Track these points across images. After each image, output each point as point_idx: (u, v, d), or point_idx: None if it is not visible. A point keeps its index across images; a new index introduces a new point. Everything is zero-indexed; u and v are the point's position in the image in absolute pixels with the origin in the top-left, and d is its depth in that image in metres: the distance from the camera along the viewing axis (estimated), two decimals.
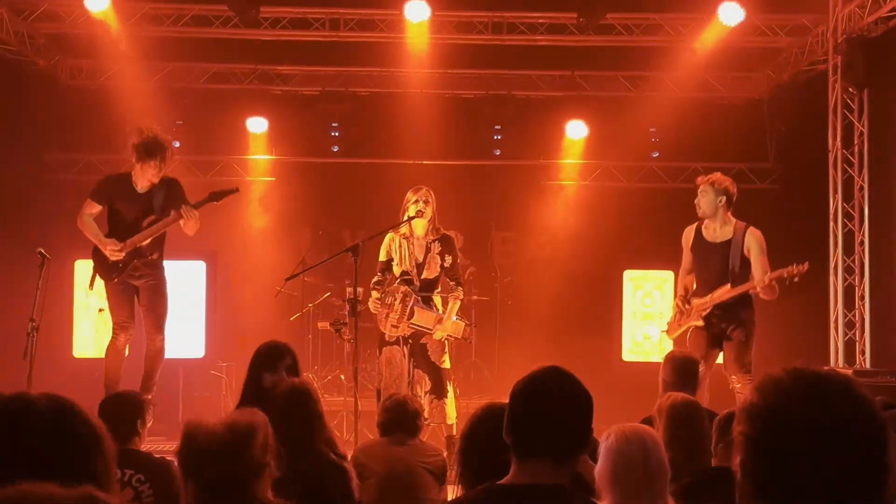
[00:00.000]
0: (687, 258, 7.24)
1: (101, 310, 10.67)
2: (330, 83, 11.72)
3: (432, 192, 7.47)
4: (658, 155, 11.93)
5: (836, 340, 9.79)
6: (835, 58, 9.70)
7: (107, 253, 7.16)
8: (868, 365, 9.35)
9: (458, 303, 7.49)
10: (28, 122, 10.71)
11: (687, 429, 4.05)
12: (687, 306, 7.08)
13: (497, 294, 11.29)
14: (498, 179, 11.92)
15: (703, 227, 7.14)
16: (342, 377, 10.00)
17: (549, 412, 2.54)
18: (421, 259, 7.43)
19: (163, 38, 10.79)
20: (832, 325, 9.87)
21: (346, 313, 7.62)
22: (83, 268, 11.16)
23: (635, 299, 11.61)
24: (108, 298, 7.41)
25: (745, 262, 6.91)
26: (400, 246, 7.47)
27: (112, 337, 7.42)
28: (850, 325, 9.79)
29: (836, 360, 9.61)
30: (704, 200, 7.05)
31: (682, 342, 7.21)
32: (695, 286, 7.17)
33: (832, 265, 9.91)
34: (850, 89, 9.63)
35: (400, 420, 4.80)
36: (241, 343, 9.64)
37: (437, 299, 7.47)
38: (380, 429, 4.93)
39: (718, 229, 7.04)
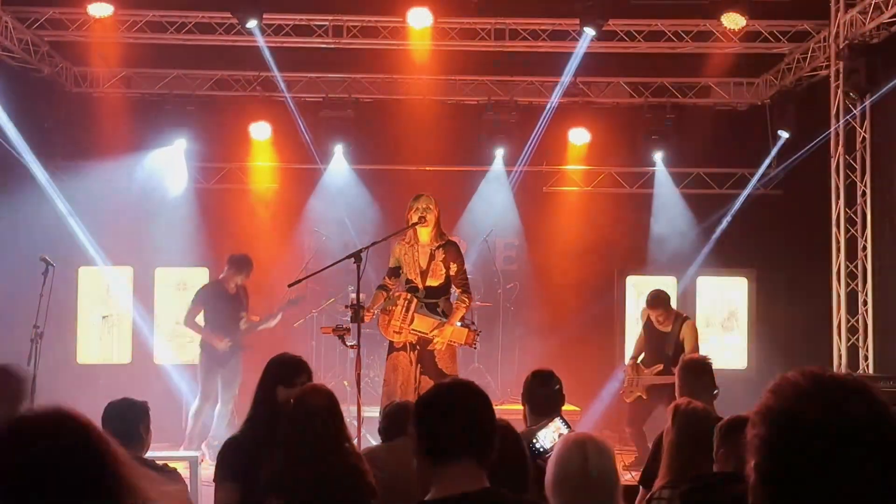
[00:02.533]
0: (641, 333, 9.10)
1: (104, 316, 10.75)
2: (333, 90, 11.75)
3: (434, 199, 7.48)
4: (661, 161, 11.91)
5: (839, 346, 9.78)
6: (837, 63, 9.70)
7: (220, 346, 9.06)
8: (871, 370, 9.34)
9: (463, 310, 7.46)
10: (32, 129, 10.72)
11: (693, 436, 4.04)
12: (636, 376, 8.84)
13: (499, 300, 11.30)
14: (500, 186, 11.93)
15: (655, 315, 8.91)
16: (345, 383, 10.00)
17: (463, 411, 2.63)
18: (424, 266, 7.43)
19: (166, 45, 10.83)
20: (835, 330, 9.86)
21: (349, 319, 7.61)
22: (87, 274, 11.22)
23: (638, 305, 11.60)
24: (203, 373, 9.23)
25: (679, 348, 8.57)
26: (405, 254, 7.49)
27: (200, 402, 9.22)
28: (852, 330, 9.78)
29: (839, 366, 9.60)
30: (662, 317, 8.83)
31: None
32: (643, 355, 8.99)
33: (835, 270, 9.90)
34: (852, 95, 9.64)
35: (401, 425, 4.80)
36: (244, 348, 9.66)
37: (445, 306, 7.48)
38: (381, 434, 4.92)
39: (663, 320, 8.82)
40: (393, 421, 4.82)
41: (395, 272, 7.54)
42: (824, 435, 1.51)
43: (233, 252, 9.59)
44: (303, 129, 11.33)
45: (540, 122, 11.35)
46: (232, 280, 9.25)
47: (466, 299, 7.47)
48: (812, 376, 1.58)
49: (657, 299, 8.89)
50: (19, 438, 1.73)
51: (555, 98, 11.22)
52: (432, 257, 7.42)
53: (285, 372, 4.50)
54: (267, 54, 10.54)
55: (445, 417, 2.62)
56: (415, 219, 7.32)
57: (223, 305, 9.20)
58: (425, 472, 2.62)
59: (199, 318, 9.24)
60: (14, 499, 1.67)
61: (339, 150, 11.67)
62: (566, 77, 10.93)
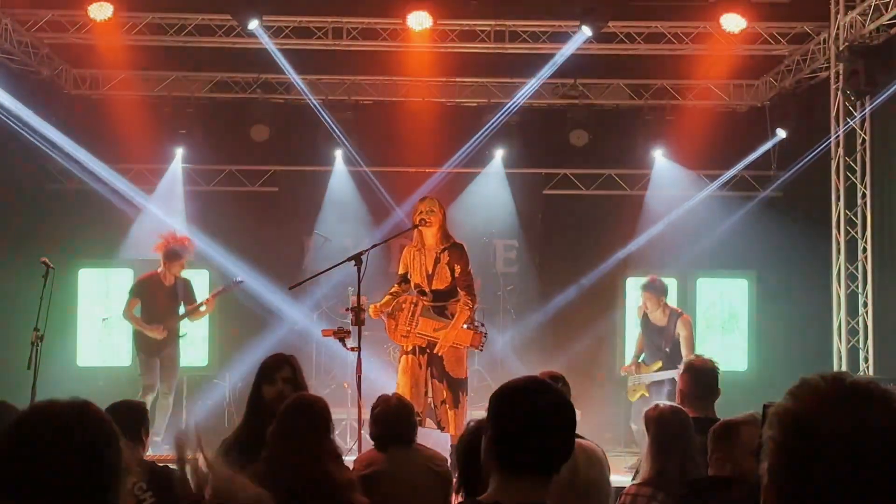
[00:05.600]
0: (639, 333, 9.20)
1: (104, 319, 10.75)
2: (333, 92, 11.74)
3: (439, 202, 7.48)
4: (660, 162, 11.90)
5: (839, 348, 9.78)
6: (836, 65, 9.71)
7: (154, 335, 9.11)
8: (871, 372, 9.33)
9: (467, 311, 7.39)
10: (31, 131, 10.73)
11: (672, 439, 4.01)
12: (638, 374, 8.97)
13: (500, 303, 11.28)
14: (500, 187, 11.92)
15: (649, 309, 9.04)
16: (345, 385, 9.99)
17: (539, 425, 2.35)
18: (430, 270, 7.42)
19: (166, 47, 10.83)
20: (835, 332, 9.86)
21: (350, 321, 7.61)
22: (87, 276, 11.21)
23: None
24: (143, 366, 9.23)
25: (676, 343, 8.75)
26: (413, 258, 7.49)
27: (141, 395, 9.01)
28: (853, 332, 9.78)
29: (840, 368, 9.59)
30: (651, 303, 8.94)
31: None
32: (644, 354, 9.09)
33: (835, 272, 9.90)
34: (852, 96, 9.63)
35: (395, 432, 4.70)
36: (244, 352, 9.66)
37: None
38: (375, 441, 4.77)
39: (659, 316, 8.92)
40: (385, 427, 4.71)
41: (405, 278, 7.55)
42: (841, 443, 1.47)
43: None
44: (334, 128, 11.29)
45: (499, 112, 11.29)
46: (168, 272, 9.35)
47: (469, 301, 7.42)
48: (833, 381, 1.54)
49: (652, 284, 9.01)
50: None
51: (522, 95, 11.17)
52: (437, 260, 7.42)
53: (266, 370, 4.56)
54: (279, 56, 10.55)
55: (513, 431, 2.37)
56: (416, 221, 7.34)
57: (160, 296, 9.34)
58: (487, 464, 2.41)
59: (136, 311, 9.35)
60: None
61: (338, 153, 11.66)
62: (545, 72, 10.89)
